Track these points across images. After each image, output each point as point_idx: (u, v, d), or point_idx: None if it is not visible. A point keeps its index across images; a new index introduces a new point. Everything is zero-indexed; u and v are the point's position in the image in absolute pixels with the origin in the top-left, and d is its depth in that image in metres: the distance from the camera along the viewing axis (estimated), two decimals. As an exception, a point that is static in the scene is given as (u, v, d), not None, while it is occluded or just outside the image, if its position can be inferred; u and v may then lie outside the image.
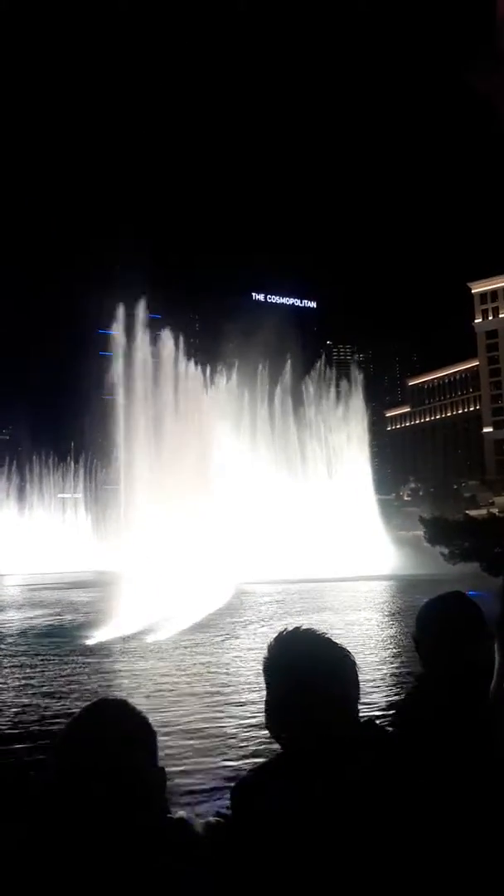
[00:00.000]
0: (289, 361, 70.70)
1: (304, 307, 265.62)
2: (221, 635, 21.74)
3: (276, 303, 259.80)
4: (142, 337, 41.64)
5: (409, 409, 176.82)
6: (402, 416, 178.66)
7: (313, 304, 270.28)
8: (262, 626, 23.72)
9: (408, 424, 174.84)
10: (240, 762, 9.31)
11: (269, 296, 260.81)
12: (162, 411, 38.79)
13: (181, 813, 1.81)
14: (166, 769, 1.83)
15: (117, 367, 40.61)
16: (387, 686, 13.56)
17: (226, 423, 50.83)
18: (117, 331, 42.21)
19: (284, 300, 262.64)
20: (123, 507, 31.61)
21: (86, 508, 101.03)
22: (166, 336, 44.61)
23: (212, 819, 1.89)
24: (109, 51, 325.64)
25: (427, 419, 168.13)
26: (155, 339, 43.27)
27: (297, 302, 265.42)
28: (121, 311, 43.23)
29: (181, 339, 45.59)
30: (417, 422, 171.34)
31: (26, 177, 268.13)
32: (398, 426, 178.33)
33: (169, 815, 1.78)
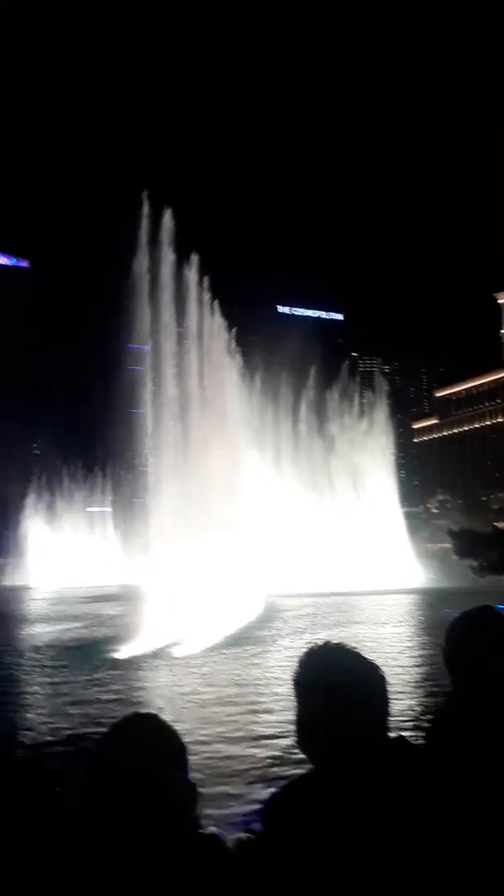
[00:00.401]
0: (312, 372, 70.39)
1: (330, 319, 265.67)
2: (252, 649, 21.64)
3: (301, 315, 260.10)
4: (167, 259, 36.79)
5: (436, 421, 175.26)
6: (430, 428, 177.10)
7: (339, 316, 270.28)
8: (293, 639, 23.58)
9: (435, 436, 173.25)
10: (270, 779, 9.25)
11: (294, 308, 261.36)
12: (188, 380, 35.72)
13: (212, 828, 1.82)
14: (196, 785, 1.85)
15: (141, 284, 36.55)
16: (416, 701, 13.39)
17: (250, 431, 49.81)
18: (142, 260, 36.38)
19: (310, 312, 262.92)
20: (150, 519, 31.51)
21: (114, 521, 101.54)
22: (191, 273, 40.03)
23: (242, 835, 1.90)
24: (112, 57, 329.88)
25: (455, 430, 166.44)
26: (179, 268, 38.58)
27: (323, 314, 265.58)
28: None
29: (206, 280, 41.44)
30: (445, 433, 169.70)
31: (40, 184, 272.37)
32: (426, 438, 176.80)
33: (200, 831, 1.79)
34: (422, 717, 11.52)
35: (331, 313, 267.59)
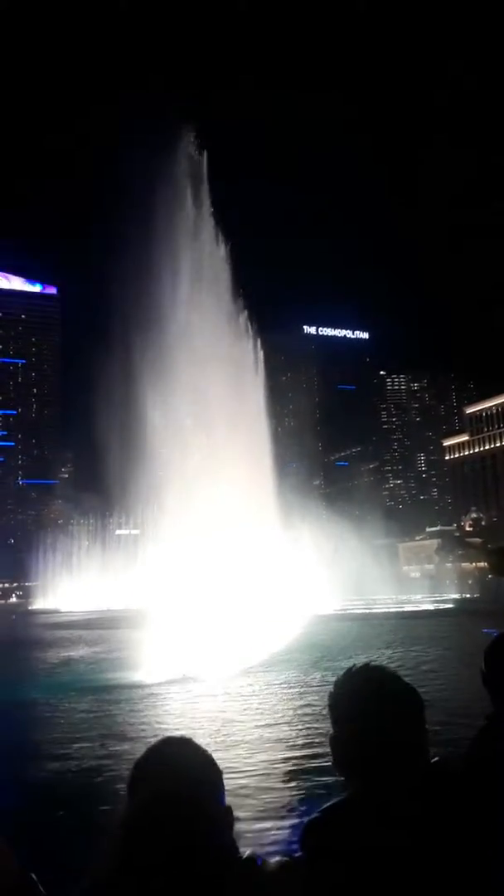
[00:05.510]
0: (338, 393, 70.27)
1: (357, 338, 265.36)
2: (290, 671, 21.40)
3: (327, 335, 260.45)
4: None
5: (467, 438, 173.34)
6: (461, 445, 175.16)
7: (366, 335, 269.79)
8: (332, 661, 23.36)
9: (467, 453, 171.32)
10: (305, 803, 9.14)
11: (320, 328, 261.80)
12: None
13: (249, 852, 1.80)
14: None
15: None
16: (456, 723, 13.11)
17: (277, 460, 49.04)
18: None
19: (336, 332, 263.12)
20: (182, 543, 31.51)
21: (144, 544, 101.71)
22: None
23: (281, 858, 1.88)
24: (112, 62, 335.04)
25: (487, 447, 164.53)
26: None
27: (349, 333, 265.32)
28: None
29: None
30: (477, 450, 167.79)
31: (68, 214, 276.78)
32: (457, 455, 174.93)
33: (237, 854, 1.77)
34: (461, 740, 11.28)
35: (357, 332, 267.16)
